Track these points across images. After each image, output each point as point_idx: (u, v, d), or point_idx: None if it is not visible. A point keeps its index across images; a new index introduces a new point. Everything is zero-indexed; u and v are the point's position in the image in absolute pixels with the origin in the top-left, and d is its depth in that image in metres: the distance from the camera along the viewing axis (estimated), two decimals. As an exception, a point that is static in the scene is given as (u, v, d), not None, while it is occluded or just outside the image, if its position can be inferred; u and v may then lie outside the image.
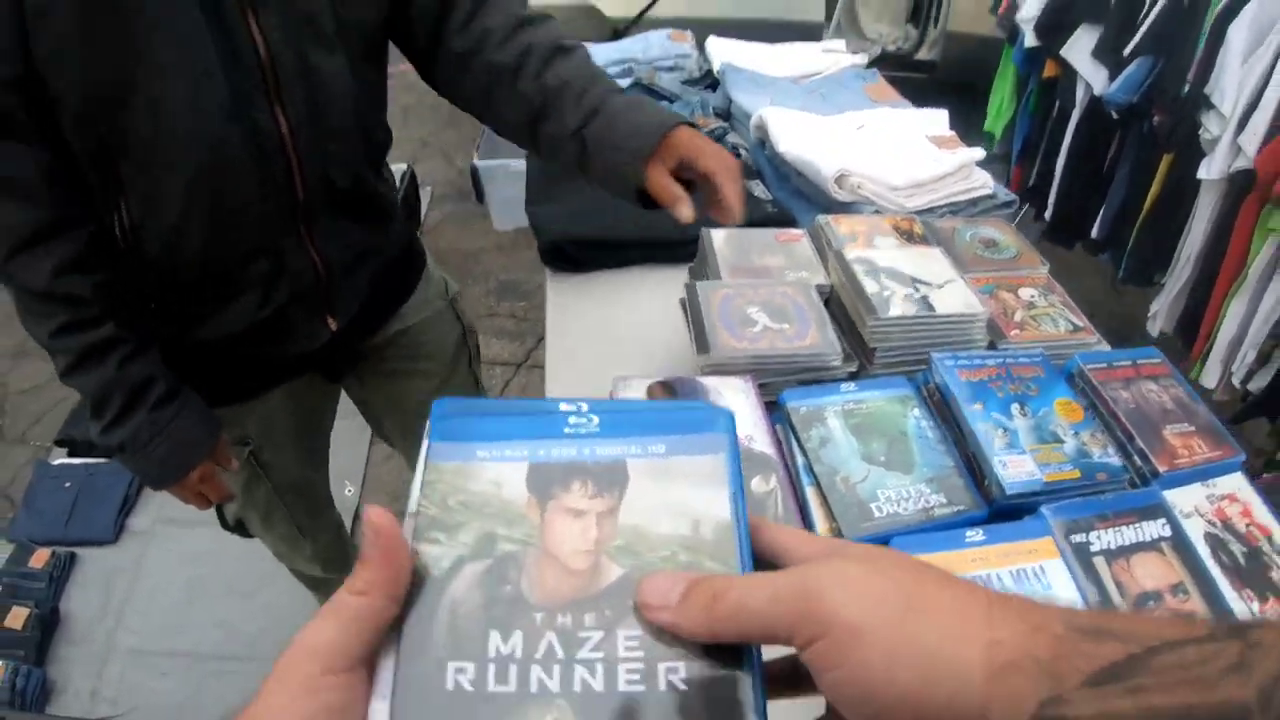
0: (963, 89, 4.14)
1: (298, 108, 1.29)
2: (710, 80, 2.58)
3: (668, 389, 1.20)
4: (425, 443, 0.60)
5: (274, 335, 1.49)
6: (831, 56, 2.66)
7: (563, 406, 0.61)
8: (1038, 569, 1.01)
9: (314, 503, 2.06)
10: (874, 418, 1.19)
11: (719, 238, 1.58)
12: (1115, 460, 1.18)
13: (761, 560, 0.53)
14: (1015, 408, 1.21)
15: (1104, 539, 1.05)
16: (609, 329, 1.53)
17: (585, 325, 1.47)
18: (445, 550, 0.54)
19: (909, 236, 1.60)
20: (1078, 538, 1.04)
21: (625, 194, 1.35)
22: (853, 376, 1.32)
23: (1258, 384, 2.82)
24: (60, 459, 3.68)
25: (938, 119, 2.10)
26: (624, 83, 2.43)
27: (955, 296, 1.34)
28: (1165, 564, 1.04)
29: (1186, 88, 2.77)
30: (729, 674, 0.47)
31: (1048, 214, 3.69)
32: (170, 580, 3.11)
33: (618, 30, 4.43)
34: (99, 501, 3.38)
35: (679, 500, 0.57)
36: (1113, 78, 3.07)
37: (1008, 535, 1.04)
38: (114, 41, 1.12)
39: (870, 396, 1.23)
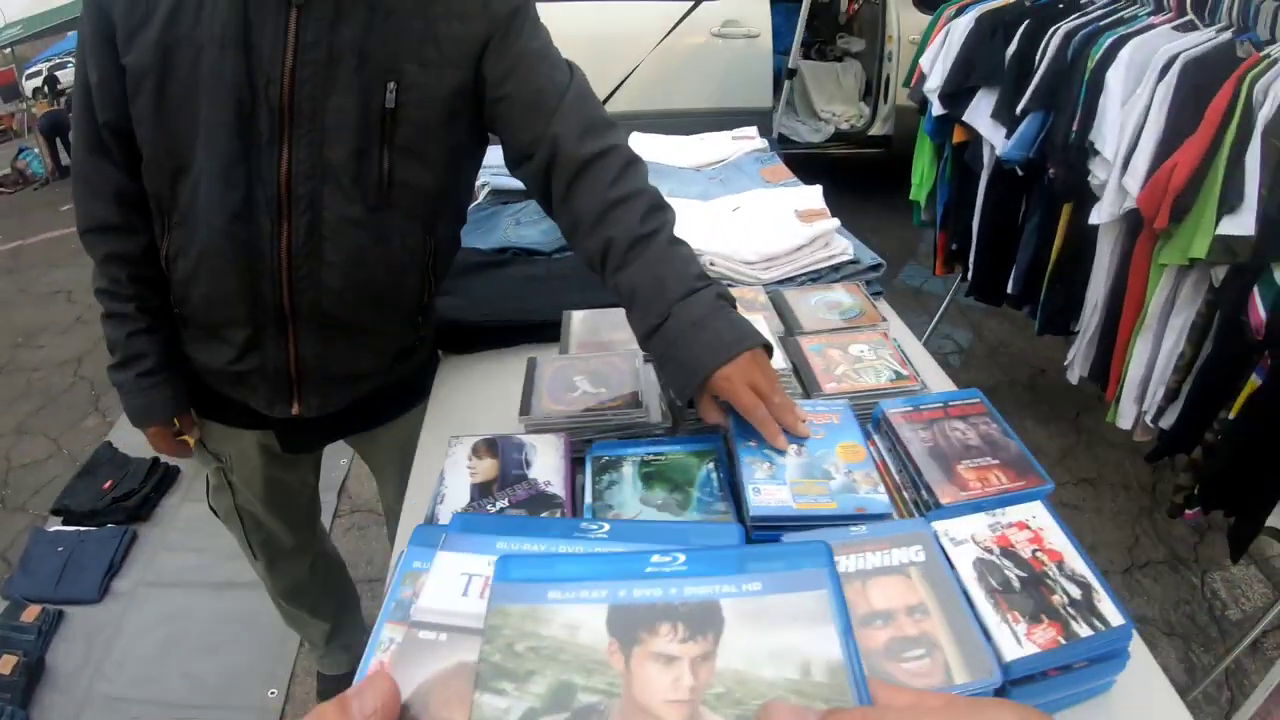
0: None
1: (301, 230, 1.48)
2: (625, 174, 2.76)
3: (490, 446, 1.39)
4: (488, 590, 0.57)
5: (241, 388, 1.70)
6: (739, 143, 2.85)
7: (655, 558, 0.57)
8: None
9: (274, 545, 2.21)
10: (668, 467, 1.33)
11: (577, 318, 1.81)
12: (881, 497, 1.24)
13: None
14: (793, 448, 1.28)
15: (845, 563, 1.07)
16: (474, 399, 1.71)
17: (457, 398, 1.64)
18: (513, 703, 0.50)
19: (751, 306, 1.78)
20: (847, 564, 1.08)
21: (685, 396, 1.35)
22: (670, 433, 1.48)
23: (1168, 420, 2.87)
24: (55, 526, 3.98)
25: (811, 194, 2.27)
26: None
27: (760, 356, 1.49)
28: (907, 586, 1.06)
29: (1073, 136, 2.90)
30: None
31: (969, 274, 3.82)
32: (146, 636, 3.33)
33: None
34: (87, 565, 3.65)
35: (783, 641, 0.53)
36: (1010, 136, 3.21)
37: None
38: (177, 130, 1.43)
39: (672, 450, 1.37)
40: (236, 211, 1.45)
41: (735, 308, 1.36)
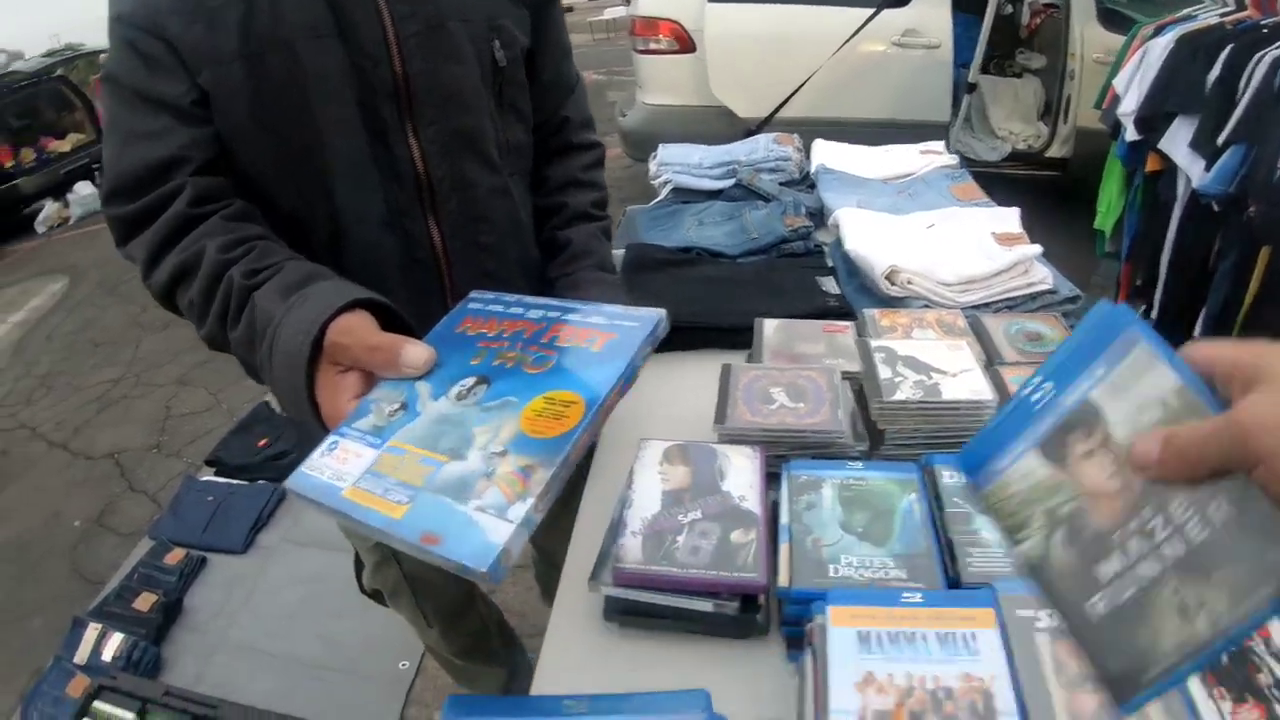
0: (1095, 187, 4.17)
1: (452, 221, 1.39)
2: (809, 181, 2.73)
3: (683, 453, 1.36)
4: None
5: None
6: (926, 157, 2.77)
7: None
8: (968, 636, 0.99)
9: (445, 601, 2.07)
10: (868, 494, 1.27)
11: (770, 327, 1.75)
12: (495, 528, 0.99)
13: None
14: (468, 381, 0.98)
15: (1053, 619, 0.96)
16: (664, 400, 1.68)
17: (640, 398, 1.61)
18: (1033, 540, 0.65)
19: (949, 330, 1.71)
20: (1024, 613, 1.03)
21: None
22: (866, 456, 1.42)
23: None
24: (207, 476, 4.13)
25: (1008, 216, 2.17)
26: (727, 182, 2.60)
27: (965, 385, 1.43)
28: None
29: (1276, 172, 2.74)
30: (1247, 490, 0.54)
31: (1154, 313, 3.65)
32: (284, 592, 3.43)
33: (750, 130, 4.62)
34: (235, 517, 3.78)
35: (1140, 398, 0.61)
36: (1210, 169, 3.05)
37: (946, 601, 1.05)
38: (291, 141, 1.26)
39: (873, 476, 1.31)
40: (383, 218, 1.34)
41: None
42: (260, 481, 4.00)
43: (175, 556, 3.53)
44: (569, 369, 0.93)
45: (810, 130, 3.21)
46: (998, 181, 5.83)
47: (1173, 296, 3.57)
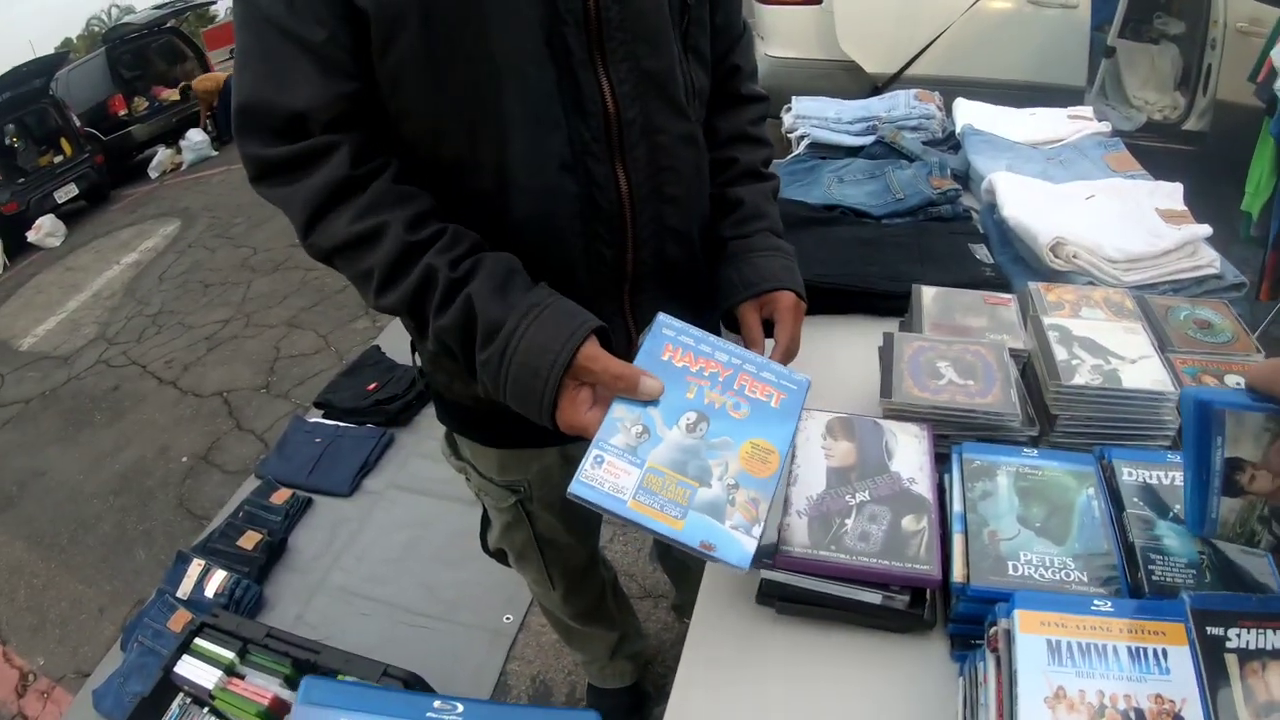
0: (1235, 164, 4.00)
1: (640, 167, 1.30)
2: (953, 142, 2.61)
3: (847, 427, 1.29)
4: None
5: None
6: (1076, 123, 2.63)
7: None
8: (1159, 652, 0.93)
9: (572, 563, 2.04)
10: (1045, 485, 1.20)
11: (928, 295, 1.65)
12: (745, 541, 1.02)
13: None
14: (691, 416, 1.11)
15: (1244, 638, 0.93)
16: (814, 366, 1.59)
17: (794, 363, 1.54)
18: None
19: (1118, 310, 1.61)
20: (1214, 630, 0.94)
21: (727, 306, 1.44)
22: (1034, 442, 1.33)
23: None
24: (315, 418, 4.15)
25: (1171, 192, 2.04)
26: (868, 139, 2.51)
27: (1145, 374, 1.34)
28: None
29: None
30: None
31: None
32: (388, 537, 3.43)
33: (877, 86, 4.48)
34: (342, 459, 3.79)
35: None
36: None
37: (1138, 612, 0.97)
38: (464, 76, 1.15)
39: (1049, 465, 1.23)
40: (564, 160, 1.23)
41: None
42: (368, 425, 4.02)
43: (281, 496, 3.57)
44: (762, 420, 1.11)
45: (940, 89, 3.09)
46: (1131, 153, 5.66)
47: None
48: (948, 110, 2.78)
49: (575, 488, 1.04)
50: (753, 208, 1.50)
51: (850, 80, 4.93)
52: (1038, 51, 5.10)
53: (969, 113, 2.65)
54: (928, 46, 4.77)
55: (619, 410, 1.10)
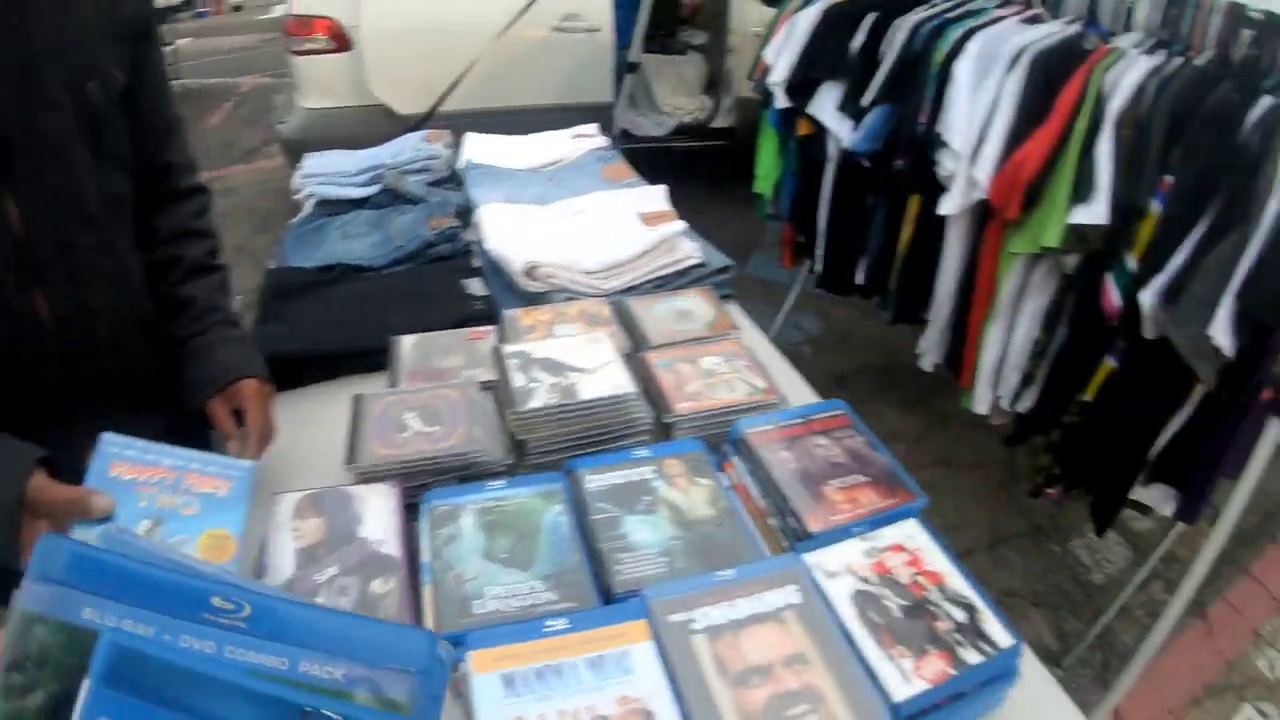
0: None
1: (59, 286, 1.27)
2: (459, 179, 2.62)
3: (316, 502, 1.23)
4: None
5: None
6: (578, 142, 2.73)
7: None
8: (621, 654, 0.96)
9: None
10: (511, 514, 1.20)
11: (407, 344, 1.65)
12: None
13: None
14: (147, 523, 1.16)
15: (710, 615, 1.01)
16: (300, 441, 1.53)
17: (280, 442, 1.47)
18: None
19: (594, 321, 1.66)
20: (677, 617, 1.00)
21: (195, 406, 1.42)
22: (512, 470, 1.34)
23: (1025, 404, 2.91)
24: None
25: (654, 195, 2.17)
26: (374, 188, 2.47)
27: (605, 380, 1.38)
28: (783, 634, 1.00)
29: (920, 129, 2.90)
30: None
31: (818, 267, 3.81)
32: None
33: (413, 127, 4.49)
34: None
35: None
36: (857, 129, 3.19)
37: (594, 621, 1.01)
38: None
39: (515, 493, 1.24)
40: None
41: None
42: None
43: None
44: (214, 511, 1.18)
45: (475, 122, 3.13)
46: (667, 155, 6.01)
47: (832, 251, 3.74)
48: (457, 146, 2.80)
49: None
50: (205, 303, 1.50)
51: (388, 124, 4.91)
52: (567, 75, 5.33)
53: (473, 147, 2.70)
54: (456, 84, 4.85)
55: (79, 533, 1.09)
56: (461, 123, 3.16)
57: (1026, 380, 2.87)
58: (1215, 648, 3.25)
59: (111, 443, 1.19)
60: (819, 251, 3.78)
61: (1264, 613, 3.51)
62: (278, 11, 15.26)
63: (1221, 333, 2.08)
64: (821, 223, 3.69)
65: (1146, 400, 2.51)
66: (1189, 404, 2.44)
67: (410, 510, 1.25)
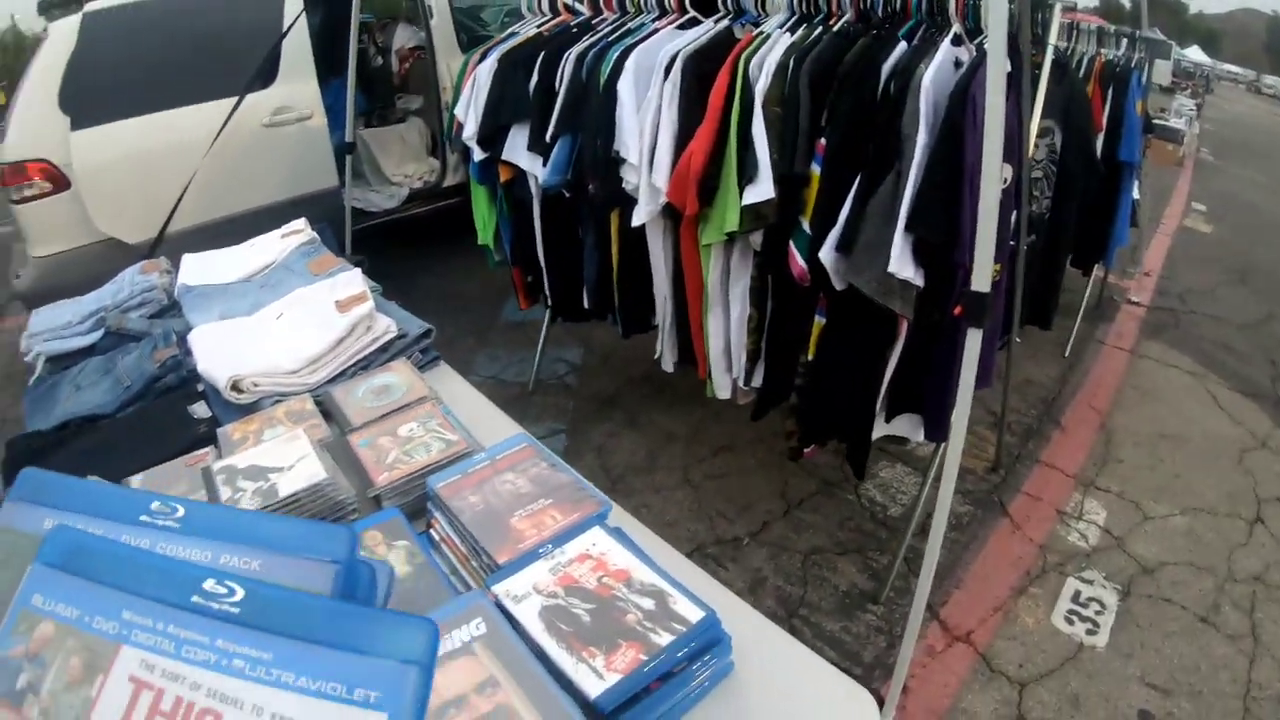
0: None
1: None
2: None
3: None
4: None
5: None
6: (287, 240, 2.81)
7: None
8: None
9: None
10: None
11: (135, 483, 1.71)
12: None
13: None
14: None
15: None
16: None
17: None
18: None
19: (299, 417, 1.78)
20: None
21: None
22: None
23: (759, 379, 3.12)
24: None
25: (349, 280, 2.28)
26: (97, 334, 2.51)
27: (300, 474, 1.50)
28: (475, 664, 1.09)
29: (598, 151, 3.07)
30: None
31: (549, 301, 4.00)
32: None
33: (144, 255, 4.47)
34: None
35: None
36: (546, 164, 3.36)
37: None
38: None
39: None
40: None
41: None
42: None
43: None
44: None
45: (208, 236, 3.18)
46: (406, 225, 6.11)
47: (556, 282, 3.94)
48: (175, 271, 2.85)
49: None
50: None
51: (122, 257, 4.82)
52: (288, 168, 5.34)
53: (188, 269, 2.72)
54: (177, 204, 4.80)
55: None
56: (196, 239, 3.22)
57: (754, 357, 3.06)
58: (1025, 538, 3.56)
59: None
60: (546, 286, 3.96)
61: (1063, 493, 3.85)
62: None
63: (902, 266, 2.29)
64: (541, 259, 3.86)
65: (861, 345, 2.73)
66: (900, 338, 2.66)
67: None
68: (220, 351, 2.09)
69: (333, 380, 1.99)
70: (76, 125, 4.82)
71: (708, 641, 1.16)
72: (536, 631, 1.16)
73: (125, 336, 2.49)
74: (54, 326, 2.62)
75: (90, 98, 4.88)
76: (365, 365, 2.03)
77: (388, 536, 1.41)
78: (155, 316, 2.60)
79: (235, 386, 1.95)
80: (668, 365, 3.49)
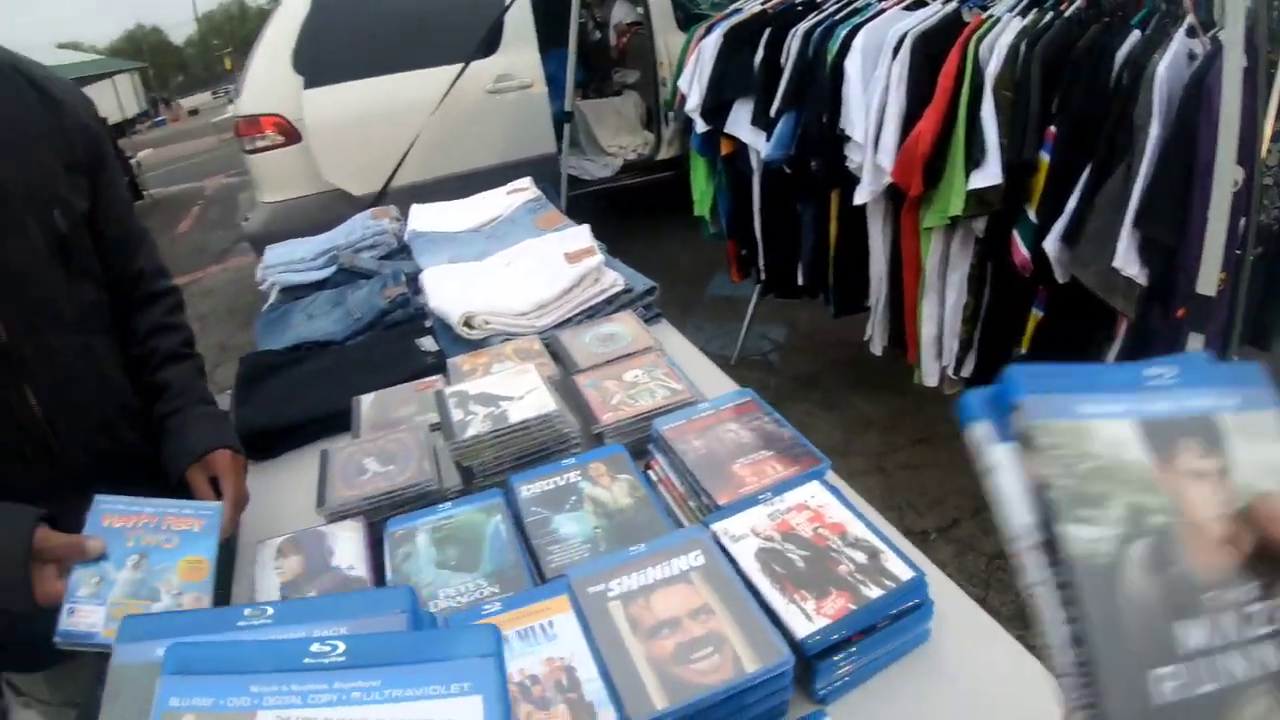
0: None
1: (43, 385, 1.45)
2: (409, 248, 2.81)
3: (293, 543, 1.43)
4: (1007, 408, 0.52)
5: None
6: (513, 197, 2.92)
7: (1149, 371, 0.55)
8: (545, 625, 1.09)
9: None
10: (458, 528, 1.38)
11: (366, 401, 1.86)
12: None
13: None
14: (134, 558, 1.33)
15: (624, 584, 1.14)
16: (282, 500, 1.73)
17: (262, 504, 1.65)
18: (1101, 532, 0.48)
19: (527, 355, 1.85)
20: (595, 588, 1.14)
21: (174, 476, 1.58)
22: (464, 494, 1.53)
23: (968, 368, 3.05)
24: None
25: (578, 235, 2.36)
26: (330, 270, 2.66)
27: (531, 404, 1.56)
28: (690, 592, 1.11)
29: (825, 128, 3.06)
30: None
31: (762, 275, 3.99)
32: None
33: (367, 205, 4.68)
34: None
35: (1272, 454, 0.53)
36: (770, 139, 3.36)
37: (523, 602, 1.14)
38: None
39: (461, 511, 1.41)
40: None
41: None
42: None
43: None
44: (190, 543, 1.36)
45: (428, 192, 3.31)
46: (620, 194, 6.19)
47: (771, 258, 3.92)
48: (404, 218, 2.98)
49: (57, 637, 1.23)
50: (180, 386, 1.67)
51: (346, 207, 5.09)
52: (507, 133, 5.55)
53: (417, 217, 2.89)
54: (403, 159, 5.02)
55: (78, 572, 1.29)
56: (414, 195, 3.35)
57: (966, 346, 3.00)
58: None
59: (103, 500, 1.38)
60: (760, 260, 3.95)
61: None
62: (230, 113, 15.54)
63: (1128, 263, 2.22)
64: (757, 233, 3.86)
65: (1077, 341, 2.65)
66: (1118, 337, 2.56)
67: (379, 544, 1.42)
68: (452, 291, 2.19)
69: (559, 326, 2.04)
70: (309, 84, 5.16)
71: (911, 601, 1.16)
72: (751, 570, 1.17)
73: (355, 274, 2.64)
74: (288, 261, 2.77)
75: (322, 60, 5.23)
76: (591, 314, 2.08)
77: (611, 470, 1.46)
78: (384, 258, 2.74)
79: (468, 322, 2.04)
80: (876, 348, 3.45)
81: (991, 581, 3.20)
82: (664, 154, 6.16)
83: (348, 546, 1.41)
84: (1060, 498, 0.48)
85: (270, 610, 0.87)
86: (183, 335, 1.76)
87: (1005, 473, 0.51)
